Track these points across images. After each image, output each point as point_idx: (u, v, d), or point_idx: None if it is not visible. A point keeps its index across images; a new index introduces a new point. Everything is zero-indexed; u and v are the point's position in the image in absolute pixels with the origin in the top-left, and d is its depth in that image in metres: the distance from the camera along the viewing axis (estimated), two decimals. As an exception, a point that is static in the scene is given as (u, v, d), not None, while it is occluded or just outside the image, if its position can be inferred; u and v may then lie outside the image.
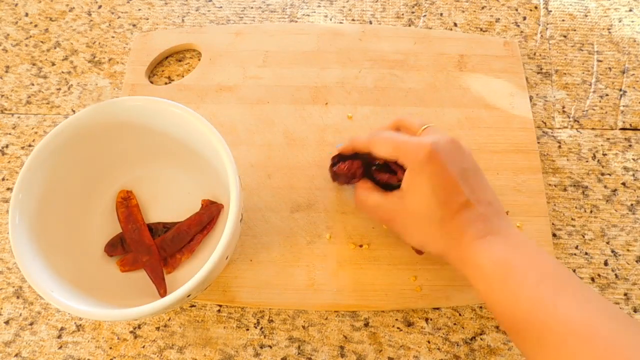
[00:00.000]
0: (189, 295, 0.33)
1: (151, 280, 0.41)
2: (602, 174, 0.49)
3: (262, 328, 0.42)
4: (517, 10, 0.58)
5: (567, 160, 0.49)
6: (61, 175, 0.39)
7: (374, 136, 0.38)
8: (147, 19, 0.58)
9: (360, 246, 0.44)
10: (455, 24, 0.57)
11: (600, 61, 0.55)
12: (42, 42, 0.56)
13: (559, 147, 0.50)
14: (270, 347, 0.42)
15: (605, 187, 0.48)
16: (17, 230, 0.35)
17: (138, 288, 0.41)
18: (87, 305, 0.33)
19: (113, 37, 0.56)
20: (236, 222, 0.35)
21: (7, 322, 0.43)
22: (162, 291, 0.40)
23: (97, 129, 0.40)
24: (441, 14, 0.58)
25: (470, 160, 0.36)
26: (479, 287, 0.33)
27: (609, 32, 0.56)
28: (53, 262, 0.36)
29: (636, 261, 0.45)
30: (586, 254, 0.45)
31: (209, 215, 0.42)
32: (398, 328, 0.42)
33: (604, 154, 0.50)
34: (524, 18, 0.57)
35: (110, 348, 0.42)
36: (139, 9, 0.58)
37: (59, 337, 0.42)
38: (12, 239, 0.34)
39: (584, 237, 0.46)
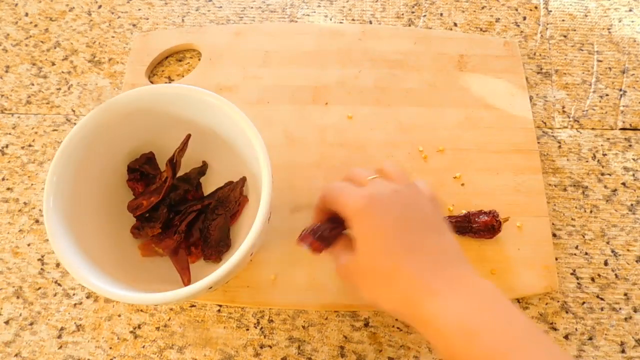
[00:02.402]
0: (210, 287, 0.33)
1: (176, 268, 0.41)
2: (602, 174, 0.49)
3: (262, 328, 0.42)
4: (517, 10, 0.58)
5: (567, 160, 0.49)
6: (94, 158, 0.40)
7: (323, 189, 0.36)
8: (147, 19, 0.58)
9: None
10: (455, 24, 0.57)
11: (600, 61, 0.55)
12: (42, 42, 0.56)
13: (559, 147, 0.50)
14: (270, 347, 0.42)
15: (605, 187, 0.48)
16: (52, 212, 0.36)
17: (158, 273, 0.41)
18: (111, 286, 0.34)
19: (113, 37, 0.56)
20: (265, 218, 0.35)
21: (7, 322, 0.43)
22: (186, 280, 0.40)
23: (132, 114, 0.41)
24: (441, 14, 0.58)
25: (416, 207, 0.33)
26: (441, 355, 0.30)
27: (609, 32, 0.56)
28: (81, 240, 0.37)
29: (636, 261, 0.45)
30: (586, 254, 0.45)
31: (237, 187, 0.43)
32: (398, 328, 0.42)
33: (604, 154, 0.50)
34: (524, 18, 0.57)
35: (110, 348, 0.42)
36: (139, 9, 0.58)
37: (59, 337, 0.42)
38: (47, 220, 0.35)
39: (584, 237, 0.46)
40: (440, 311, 0.29)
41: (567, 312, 0.43)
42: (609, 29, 0.56)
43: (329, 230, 0.35)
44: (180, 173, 0.44)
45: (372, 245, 0.32)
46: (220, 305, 0.43)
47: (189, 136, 0.42)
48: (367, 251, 0.32)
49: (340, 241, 0.36)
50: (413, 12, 0.58)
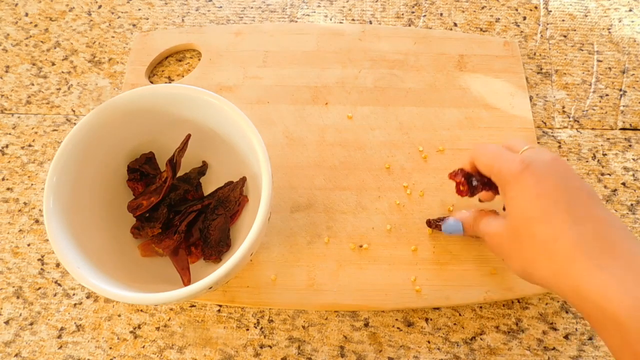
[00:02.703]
0: (210, 287, 0.33)
1: (176, 268, 0.41)
2: (602, 174, 0.49)
3: (262, 328, 0.42)
4: (517, 10, 0.58)
5: (567, 160, 0.49)
6: (94, 158, 0.40)
7: (477, 146, 0.36)
8: (147, 19, 0.58)
9: (361, 246, 0.44)
10: (455, 24, 0.57)
11: (600, 61, 0.55)
12: (42, 42, 0.56)
13: (559, 147, 0.50)
14: (270, 347, 0.42)
15: (605, 187, 0.48)
16: (52, 212, 0.36)
17: (158, 273, 0.41)
18: (111, 286, 0.34)
19: (113, 37, 0.56)
20: (265, 218, 0.35)
21: (7, 322, 0.43)
22: (186, 280, 0.40)
23: (132, 114, 0.41)
24: (441, 14, 0.58)
25: (576, 178, 0.32)
26: (612, 342, 0.27)
27: (609, 32, 0.56)
28: (81, 240, 0.37)
29: (636, 261, 0.45)
30: (586, 254, 0.45)
31: (237, 186, 0.43)
32: (398, 328, 0.42)
33: (604, 154, 0.50)
34: (524, 18, 0.57)
35: (110, 348, 0.42)
36: (139, 9, 0.58)
37: (59, 337, 0.42)
38: (47, 221, 0.35)
39: (584, 237, 0.46)
40: (609, 289, 0.26)
41: (567, 312, 0.43)
42: (609, 29, 0.56)
43: (480, 181, 0.38)
44: (180, 173, 0.44)
45: (529, 210, 0.31)
46: (220, 305, 0.43)
47: (189, 136, 0.42)
48: (522, 216, 0.31)
49: (486, 212, 0.38)
50: (413, 12, 0.58)
